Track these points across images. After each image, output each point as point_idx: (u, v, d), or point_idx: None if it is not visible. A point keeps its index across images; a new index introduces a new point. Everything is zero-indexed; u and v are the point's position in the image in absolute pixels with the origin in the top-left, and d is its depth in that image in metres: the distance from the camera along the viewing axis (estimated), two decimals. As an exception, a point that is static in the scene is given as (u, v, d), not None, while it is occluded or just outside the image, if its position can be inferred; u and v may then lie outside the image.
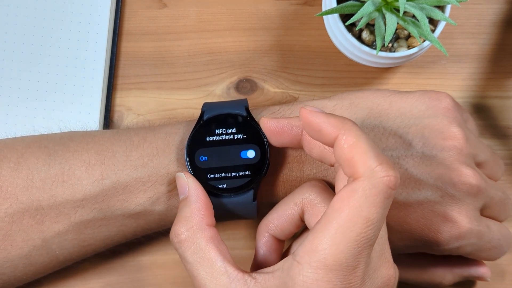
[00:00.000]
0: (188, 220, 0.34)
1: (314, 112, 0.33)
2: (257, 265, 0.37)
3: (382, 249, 0.31)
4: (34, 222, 0.36)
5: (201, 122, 0.37)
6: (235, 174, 0.36)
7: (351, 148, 0.30)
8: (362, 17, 0.39)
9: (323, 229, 0.30)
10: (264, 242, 0.37)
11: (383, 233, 0.32)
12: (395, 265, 0.33)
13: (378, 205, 0.29)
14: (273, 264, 0.33)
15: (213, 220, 0.35)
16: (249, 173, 0.36)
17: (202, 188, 0.35)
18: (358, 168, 0.30)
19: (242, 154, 0.36)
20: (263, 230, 0.37)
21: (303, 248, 0.30)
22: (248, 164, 0.36)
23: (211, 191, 0.36)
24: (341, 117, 0.32)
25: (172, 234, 0.34)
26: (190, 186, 0.35)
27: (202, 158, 0.36)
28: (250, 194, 0.36)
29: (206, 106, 0.38)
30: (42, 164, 0.36)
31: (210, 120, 0.37)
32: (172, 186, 0.37)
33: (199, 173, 0.36)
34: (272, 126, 0.36)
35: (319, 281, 0.29)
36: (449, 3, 0.40)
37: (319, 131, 0.33)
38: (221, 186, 0.36)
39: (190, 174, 0.36)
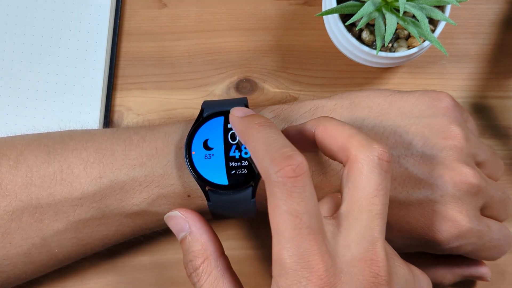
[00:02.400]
0: (202, 253, 0.34)
1: (290, 127, 0.36)
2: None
3: (367, 249, 0.31)
4: (33, 220, 0.36)
5: (200, 119, 0.37)
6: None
7: (252, 155, 0.32)
8: (362, 17, 0.39)
9: (273, 239, 0.30)
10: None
11: (372, 233, 0.31)
12: (398, 266, 0.32)
13: (292, 195, 0.29)
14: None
15: (222, 248, 0.35)
16: (248, 170, 0.36)
17: (204, 219, 0.35)
18: (261, 173, 0.31)
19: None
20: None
21: (273, 261, 0.31)
22: (247, 161, 0.36)
23: (210, 188, 0.36)
24: (248, 119, 0.33)
25: (190, 268, 0.34)
26: (192, 221, 0.35)
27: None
28: (249, 191, 0.36)
29: (206, 104, 0.38)
30: (41, 162, 0.36)
31: (209, 118, 0.37)
32: (168, 189, 0.37)
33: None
34: (290, 133, 0.36)
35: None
36: (449, 3, 0.40)
37: (301, 138, 0.35)
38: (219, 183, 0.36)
39: (186, 209, 0.35)
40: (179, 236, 0.35)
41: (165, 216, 0.36)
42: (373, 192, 0.31)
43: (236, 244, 0.44)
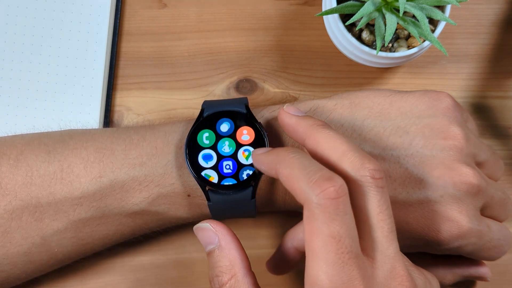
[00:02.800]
0: (230, 269, 0.33)
1: (285, 114, 0.35)
2: (275, 264, 0.38)
3: (393, 266, 0.31)
4: (33, 220, 0.36)
5: (201, 119, 0.37)
6: None
7: (288, 180, 0.31)
8: (362, 17, 0.39)
9: (310, 263, 0.30)
10: (286, 250, 0.37)
11: (391, 249, 0.31)
12: (417, 277, 0.33)
13: (333, 217, 0.29)
14: (291, 265, 0.35)
15: (249, 264, 0.34)
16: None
17: (234, 234, 0.34)
18: (300, 196, 0.30)
19: None
20: (287, 241, 0.37)
21: (306, 284, 0.30)
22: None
23: (210, 188, 0.36)
24: (277, 150, 0.33)
25: (216, 284, 0.33)
26: (221, 235, 0.34)
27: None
28: (249, 191, 0.36)
29: (206, 104, 0.38)
30: (41, 161, 0.36)
31: (209, 118, 0.37)
32: (168, 189, 0.37)
33: (198, 170, 0.36)
34: (284, 122, 0.36)
35: None
36: (449, 3, 0.40)
37: (267, 171, 0.34)
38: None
39: (217, 222, 0.34)
40: (207, 248, 0.34)
41: (195, 227, 0.35)
42: (377, 209, 0.31)
43: (236, 244, 0.44)
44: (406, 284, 0.30)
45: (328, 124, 0.35)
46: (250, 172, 0.36)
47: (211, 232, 0.34)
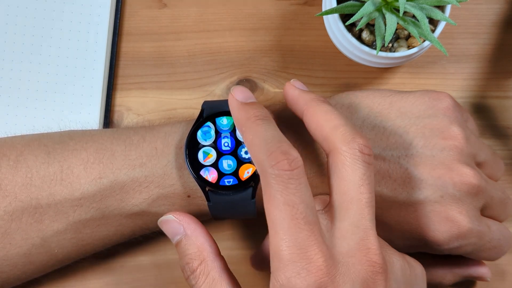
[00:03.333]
0: (198, 255, 0.34)
1: (290, 86, 0.37)
2: (257, 260, 0.38)
3: (362, 238, 0.31)
4: (33, 221, 0.36)
5: (201, 119, 0.37)
6: None
7: (249, 147, 0.33)
8: (362, 17, 0.39)
9: (270, 231, 0.31)
10: (267, 246, 0.37)
11: (364, 222, 0.32)
12: (393, 256, 0.33)
13: (288, 186, 0.30)
14: None
15: (218, 249, 0.35)
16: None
17: (198, 221, 0.35)
18: (257, 166, 0.32)
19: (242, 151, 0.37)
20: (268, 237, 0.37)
21: (270, 256, 0.31)
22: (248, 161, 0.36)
23: (210, 188, 0.36)
24: (247, 112, 0.34)
25: (187, 271, 0.34)
26: (186, 223, 0.35)
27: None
28: (249, 192, 0.36)
29: (206, 104, 0.38)
30: (41, 162, 0.36)
31: (209, 118, 0.37)
32: (168, 189, 0.37)
33: (198, 169, 0.36)
34: (287, 94, 0.37)
35: None
36: (449, 3, 0.40)
37: (292, 105, 0.36)
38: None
39: (180, 212, 0.35)
40: (174, 239, 0.35)
41: (159, 221, 0.36)
42: (359, 182, 0.32)
43: (234, 244, 0.44)
44: (373, 258, 0.31)
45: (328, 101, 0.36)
46: (250, 171, 0.36)
47: (176, 223, 0.35)
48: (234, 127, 0.37)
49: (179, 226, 0.35)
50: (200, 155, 0.36)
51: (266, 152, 0.31)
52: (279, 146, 0.31)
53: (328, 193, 0.33)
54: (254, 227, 0.45)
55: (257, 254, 0.38)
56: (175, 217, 0.35)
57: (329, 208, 0.33)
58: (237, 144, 0.36)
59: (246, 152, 0.36)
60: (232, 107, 0.35)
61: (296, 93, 0.36)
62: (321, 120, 0.34)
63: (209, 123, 0.37)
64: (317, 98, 0.35)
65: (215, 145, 0.36)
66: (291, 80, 0.37)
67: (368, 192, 0.32)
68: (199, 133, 0.37)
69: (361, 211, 0.31)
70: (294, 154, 0.31)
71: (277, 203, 0.30)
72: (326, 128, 0.33)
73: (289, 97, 0.37)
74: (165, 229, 0.35)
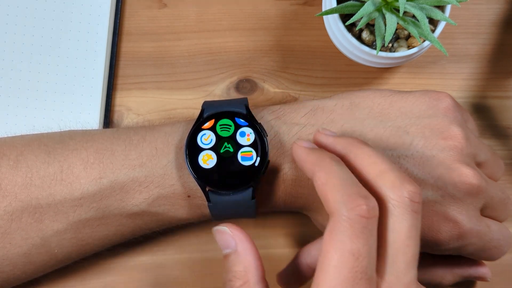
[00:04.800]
0: (243, 275, 0.33)
1: (321, 135, 0.35)
2: (285, 278, 0.38)
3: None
4: (33, 221, 0.36)
5: (201, 120, 0.37)
6: None
7: (323, 186, 0.31)
8: (362, 17, 0.39)
9: (320, 274, 0.29)
10: (299, 265, 0.37)
11: (408, 277, 0.30)
12: None
13: (359, 235, 0.29)
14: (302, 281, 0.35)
15: (264, 272, 0.34)
16: (248, 171, 0.36)
17: (251, 240, 0.34)
18: (330, 205, 0.30)
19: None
20: (301, 256, 0.37)
21: None
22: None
23: (210, 188, 0.36)
24: (320, 153, 0.33)
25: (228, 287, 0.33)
26: (239, 240, 0.34)
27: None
28: (249, 192, 0.36)
29: (206, 104, 0.38)
30: (41, 162, 0.36)
31: (209, 118, 0.37)
32: (168, 189, 0.37)
33: (198, 171, 0.36)
34: (320, 143, 0.36)
35: None
36: (449, 3, 0.40)
37: (302, 168, 0.33)
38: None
39: (236, 226, 0.34)
40: (224, 251, 0.34)
41: (214, 229, 0.34)
42: (406, 234, 0.30)
43: (236, 244, 0.44)
44: None
45: (363, 140, 0.35)
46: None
47: (229, 236, 0.34)
48: (234, 133, 0.37)
49: (232, 240, 0.34)
50: (200, 156, 0.36)
51: (344, 193, 0.29)
52: (358, 190, 0.30)
53: None
54: (254, 227, 0.45)
55: (285, 272, 0.38)
56: (230, 230, 0.34)
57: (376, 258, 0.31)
58: (237, 148, 0.36)
59: (243, 158, 0.36)
60: (301, 152, 0.34)
61: (331, 140, 0.35)
62: (366, 165, 0.32)
63: (210, 132, 0.36)
64: (357, 140, 0.33)
65: (217, 149, 0.36)
66: (297, 141, 0.35)
67: (415, 246, 0.30)
68: (199, 137, 0.36)
69: (406, 265, 0.30)
70: (373, 201, 0.29)
71: (342, 248, 0.28)
72: (371, 174, 0.31)
73: (323, 145, 0.35)
74: (218, 238, 0.34)
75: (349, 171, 0.31)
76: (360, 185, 0.30)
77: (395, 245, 0.30)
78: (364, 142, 0.34)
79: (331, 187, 0.30)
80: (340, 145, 0.34)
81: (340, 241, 0.29)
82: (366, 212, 0.29)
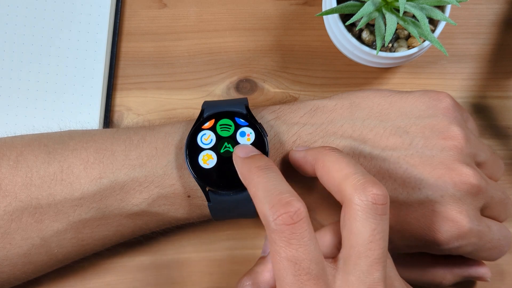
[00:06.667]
0: (256, 276, 0.33)
1: (294, 152, 0.36)
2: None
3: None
4: (33, 221, 0.36)
5: (201, 119, 0.37)
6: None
7: (253, 199, 0.32)
8: (362, 17, 0.39)
9: (276, 283, 0.30)
10: None
11: (371, 278, 0.31)
12: None
13: (291, 242, 0.30)
14: None
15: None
16: None
17: None
18: (262, 219, 0.31)
19: None
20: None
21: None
22: None
23: (210, 189, 0.36)
24: (248, 164, 0.33)
25: (239, 283, 0.34)
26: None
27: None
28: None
29: (206, 104, 0.38)
30: (41, 162, 0.36)
31: (209, 118, 0.37)
32: (168, 189, 0.37)
33: (198, 171, 0.36)
34: (294, 159, 0.36)
35: None
36: (449, 3, 0.40)
37: (302, 166, 0.34)
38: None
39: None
40: (261, 253, 0.35)
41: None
42: (369, 238, 0.30)
43: (236, 244, 0.44)
44: None
45: (338, 148, 0.35)
46: None
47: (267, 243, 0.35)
48: (234, 133, 0.37)
49: (267, 247, 0.35)
50: (201, 156, 0.36)
51: (268, 205, 0.30)
52: (280, 198, 0.30)
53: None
54: (254, 227, 0.45)
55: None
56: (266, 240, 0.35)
57: (337, 259, 0.32)
58: None
59: None
60: (236, 164, 0.35)
61: (302, 153, 0.36)
62: (332, 169, 0.33)
63: (210, 132, 0.37)
64: (324, 148, 0.34)
65: (217, 149, 0.36)
66: (293, 148, 0.37)
67: (379, 248, 0.30)
68: (199, 137, 0.36)
69: (369, 267, 0.30)
70: (296, 204, 0.30)
71: (279, 259, 0.30)
72: (337, 178, 0.32)
73: (296, 160, 0.36)
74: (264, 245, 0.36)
75: (277, 176, 0.32)
76: (284, 190, 0.31)
77: (358, 248, 0.30)
78: (333, 148, 0.34)
79: (258, 200, 0.31)
80: (310, 156, 0.35)
81: (276, 252, 0.30)
82: (289, 219, 0.30)
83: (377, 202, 0.31)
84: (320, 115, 0.39)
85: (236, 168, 0.35)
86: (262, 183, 0.32)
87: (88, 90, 0.45)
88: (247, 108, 0.37)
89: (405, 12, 0.40)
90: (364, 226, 0.30)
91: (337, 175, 0.32)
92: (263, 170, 0.32)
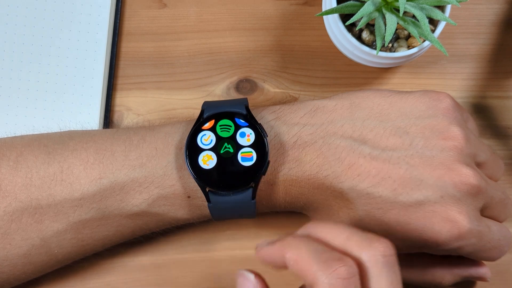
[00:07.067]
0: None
1: (261, 249, 0.33)
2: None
3: None
4: (33, 221, 0.36)
5: (201, 120, 0.37)
6: None
7: (296, 262, 0.30)
8: (362, 17, 0.39)
9: None
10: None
11: None
12: None
13: (389, 269, 0.29)
14: None
15: None
16: (248, 171, 0.36)
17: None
18: (309, 277, 0.30)
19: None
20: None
21: None
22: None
23: (210, 189, 0.36)
24: (282, 239, 0.32)
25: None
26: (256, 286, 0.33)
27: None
28: (249, 192, 0.36)
29: (206, 105, 0.38)
30: (41, 162, 0.36)
31: (209, 119, 0.37)
32: (168, 190, 0.37)
33: (198, 171, 0.36)
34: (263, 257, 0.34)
35: None
36: (449, 3, 0.40)
37: (273, 262, 0.32)
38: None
39: (261, 277, 0.33)
40: None
41: (239, 271, 0.33)
42: None
43: (236, 244, 0.44)
44: None
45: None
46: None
47: (251, 285, 0.33)
48: (234, 133, 0.37)
49: (250, 285, 0.33)
50: (201, 157, 0.36)
51: (318, 262, 0.29)
52: (331, 255, 0.29)
53: None
54: (254, 227, 0.45)
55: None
56: (253, 279, 0.33)
57: None
58: (237, 149, 0.36)
59: (243, 159, 0.36)
60: (265, 253, 0.32)
61: (277, 245, 0.32)
62: (329, 239, 0.31)
63: (210, 132, 0.36)
64: (311, 224, 0.33)
65: (217, 149, 0.36)
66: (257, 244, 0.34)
67: None
68: (199, 137, 0.36)
69: None
70: (349, 260, 0.29)
71: None
72: (337, 245, 0.31)
73: (265, 258, 0.33)
74: (239, 281, 0.33)
75: (315, 242, 0.31)
76: (331, 250, 0.30)
77: None
78: (317, 221, 0.34)
79: (304, 261, 0.30)
80: (277, 250, 0.32)
81: None
82: (345, 273, 0.29)
83: (386, 254, 0.30)
84: (320, 116, 0.39)
85: (264, 253, 0.33)
86: (304, 245, 0.30)
87: (88, 90, 0.45)
88: (247, 108, 0.37)
89: (405, 12, 0.40)
90: (381, 280, 0.30)
91: (338, 239, 0.31)
92: (301, 238, 0.31)
